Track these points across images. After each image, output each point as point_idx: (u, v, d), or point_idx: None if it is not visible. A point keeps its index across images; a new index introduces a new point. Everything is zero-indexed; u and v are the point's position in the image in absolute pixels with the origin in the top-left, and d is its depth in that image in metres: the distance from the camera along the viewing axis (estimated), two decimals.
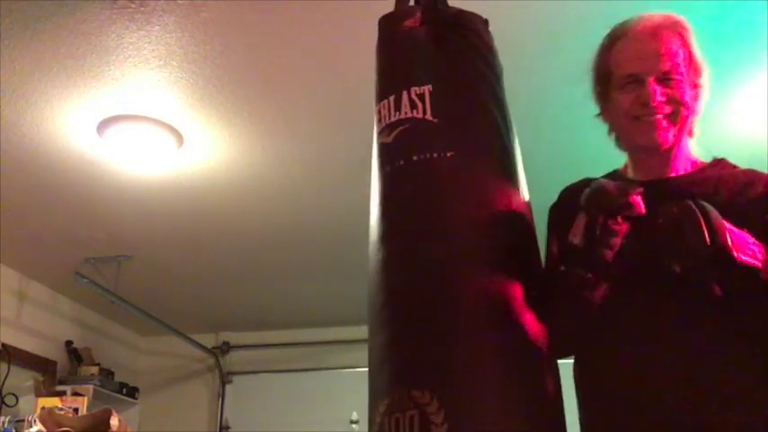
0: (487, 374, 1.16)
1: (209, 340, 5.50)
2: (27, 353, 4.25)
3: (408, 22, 1.47)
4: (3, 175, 3.19)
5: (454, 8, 1.53)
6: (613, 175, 1.45)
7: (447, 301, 1.21)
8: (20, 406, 4.01)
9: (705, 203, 1.09)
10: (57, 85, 2.64)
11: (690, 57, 1.33)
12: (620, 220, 1.14)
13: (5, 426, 3.54)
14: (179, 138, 2.99)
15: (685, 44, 1.33)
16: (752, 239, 1.13)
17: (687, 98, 1.30)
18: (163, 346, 5.48)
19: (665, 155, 1.33)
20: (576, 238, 1.16)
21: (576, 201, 1.21)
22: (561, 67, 2.61)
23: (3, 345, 3.99)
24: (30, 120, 2.84)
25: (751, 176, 1.38)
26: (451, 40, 1.44)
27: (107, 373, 4.73)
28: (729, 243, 1.06)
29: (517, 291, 1.23)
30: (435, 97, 1.35)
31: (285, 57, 2.55)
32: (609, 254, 1.14)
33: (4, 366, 3.99)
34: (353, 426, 4.12)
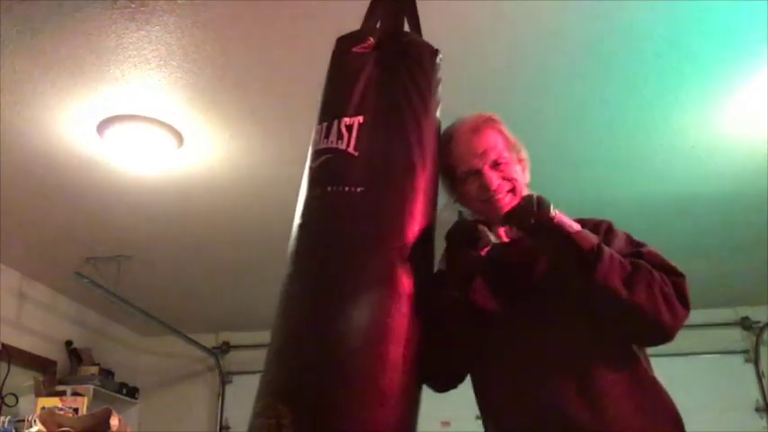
0: (348, 405, 1.24)
1: (209, 340, 5.51)
2: (27, 353, 4.25)
3: (359, 48, 1.52)
4: (3, 175, 3.19)
5: (410, 36, 1.58)
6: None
7: (328, 325, 1.28)
8: (20, 406, 4.02)
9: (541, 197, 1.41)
10: (57, 85, 2.64)
11: (507, 142, 1.61)
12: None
13: (5, 426, 3.54)
14: (179, 138, 3.00)
15: (501, 133, 1.61)
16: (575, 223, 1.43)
17: (517, 174, 1.59)
18: (163, 346, 5.49)
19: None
20: (441, 264, 1.49)
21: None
22: (561, 67, 2.62)
23: (3, 345, 3.99)
24: (30, 120, 2.84)
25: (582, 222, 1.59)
26: (395, 70, 1.49)
27: (107, 373, 4.74)
28: (552, 213, 1.38)
29: (397, 320, 1.30)
30: (363, 130, 1.42)
31: (285, 57, 2.55)
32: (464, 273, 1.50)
33: (4, 366, 4.00)
34: None
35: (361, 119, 1.42)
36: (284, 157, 3.19)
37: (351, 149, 1.40)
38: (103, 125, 2.88)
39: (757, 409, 4.81)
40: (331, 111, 1.48)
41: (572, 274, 1.40)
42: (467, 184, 1.59)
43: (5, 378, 3.97)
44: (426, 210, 1.43)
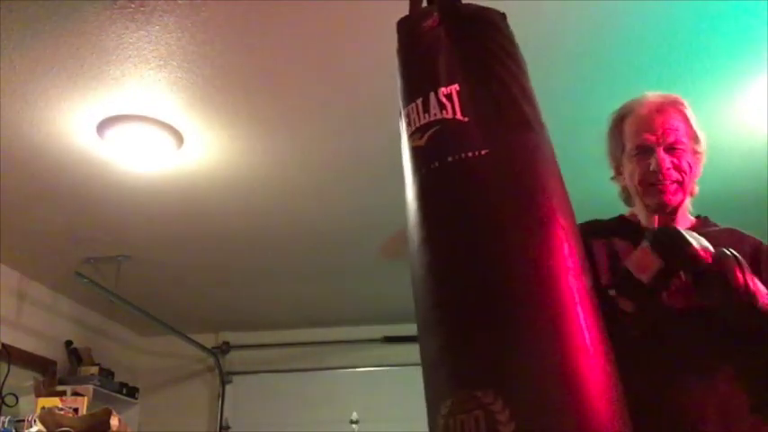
0: (551, 371, 1.12)
1: (209, 340, 5.50)
2: (27, 353, 4.25)
3: (427, 23, 1.45)
4: (3, 175, 3.19)
5: (471, 5, 1.52)
6: (624, 220, 1.66)
7: (501, 297, 1.18)
8: (20, 406, 4.01)
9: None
10: (57, 85, 2.64)
11: (689, 129, 1.54)
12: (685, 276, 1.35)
13: (5, 426, 3.54)
14: (179, 138, 2.99)
15: (685, 119, 1.55)
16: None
17: (690, 166, 1.52)
18: (163, 346, 5.48)
19: (671, 213, 1.55)
20: (644, 275, 1.34)
21: (612, 234, 1.52)
22: (563, 67, 2.62)
23: (3, 345, 3.99)
24: (30, 120, 2.84)
25: (737, 236, 1.59)
26: (473, 37, 1.41)
27: (107, 373, 4.73)
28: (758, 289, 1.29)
29: (572, 286, 1.19)
30: (464, 96, 1.33)
31: (285, 57, 2.55)
32: (672, 300, 1.37)
33: (4, 366, 3.99)
34: (353, 426, 4.12)
35: (456, 86, 1.33)
36: (284, 157, 3.19)
37: (459, 116, 1.31)
38: (103, 125, 2.88)
39: None
40: (421, 87, 1.37)
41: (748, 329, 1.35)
42: (635, 161, 1.53)
43: (5, 378, 3.96)
44: (554, 161, 1.37)
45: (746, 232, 1.56)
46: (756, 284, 1.30)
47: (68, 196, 3.44)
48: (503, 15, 1.50)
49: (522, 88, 1.40)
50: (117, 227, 3.80)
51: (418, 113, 1.35)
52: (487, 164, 1.27)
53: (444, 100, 1.33)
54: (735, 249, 1.38)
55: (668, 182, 1.50)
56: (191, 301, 4.90)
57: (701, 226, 1.59)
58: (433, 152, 1.32)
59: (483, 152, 1.28)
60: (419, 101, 1.36)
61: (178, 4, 2.28)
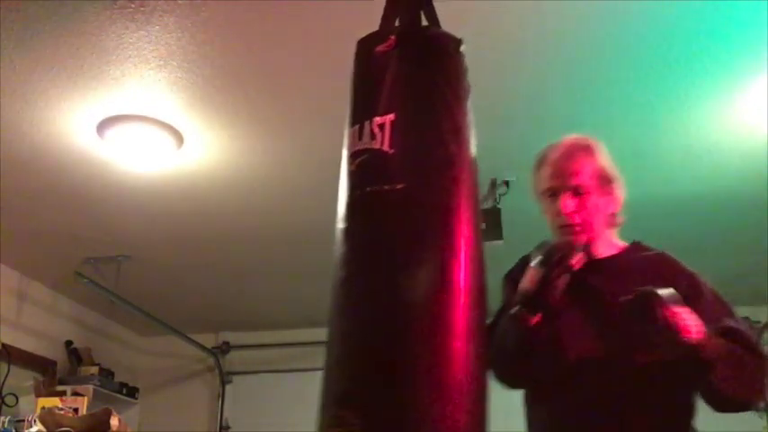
0: (420, 412, 1.21)
1: (209, 340, 5.50)
2: (27, 353, 4.25)
3: (381, 47, 1.50)
4: (3, 175, 3.19)
5: (430, 30, 1.56)
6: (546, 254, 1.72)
7: (387, 326, 1.26)
8: (20, 406, 4.01)
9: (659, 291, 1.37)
10: (57, 85, 2.64)
11: (598, 171, 1.60)
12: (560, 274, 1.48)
13: (5, 426, 3.54)
14: (179, 138, 2.99)
15: (595, 160, 1.61)
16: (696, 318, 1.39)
17: (597, 206, 1.59)
18: (163, 346, 5.48)
19: (586, 248, 1.60)
20: (528, 285, 1.49)
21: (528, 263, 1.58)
22: (563, 67, 2.62)
23: (3, 345, 3.99)
24: (30, 120, 2.84)
25: (670, 264, 1.65)
26: (422, 65, 1.46)
27: (107, 373, 4.74)
28: (691, 336, 1.35)
29: (463, 325, 1.27)
30: (396, 127, 1.38)
31: (285, 57, 2.55)
32: (554, 299, 1.48)
33: (4, 366, 4.00)
34: None
35: (392, 116, 1.39)
36: (284, 157, 3.19)
37: (385, 147, 1.37)
38: (103, 125, 2.88)
39: (757, 410, 4.81)
40: (361, 112, 1.45)
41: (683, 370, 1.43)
42: (546, 204, 1.62)
43: (5, 378, 3.97)
44: (470, 202, 1.40)
45: (679, 261, 1.64)
46: (683, 318, 1.35)
47: (68, 196, 3.44)
48: (458, 42, 1.53)
49: (454, 123, 1.43)
50: (117, 227, 3.80)
51: (354, 139, 1.43)
52: (399, 199, 1.33)
53: (377, 130, 1.39)
54: (667, 278, 1.48)
55: (573, 225, 1.57)
56: (191, 301, 4.90)
57: (631, 252, 1.67)
58: (358, 180, 1.39)
59: (398, 186, 1.33)
60: (357, 127, 1.43)
61: (178, 4, 2.28)
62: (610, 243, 1.66)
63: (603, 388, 1.48)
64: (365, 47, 1.55)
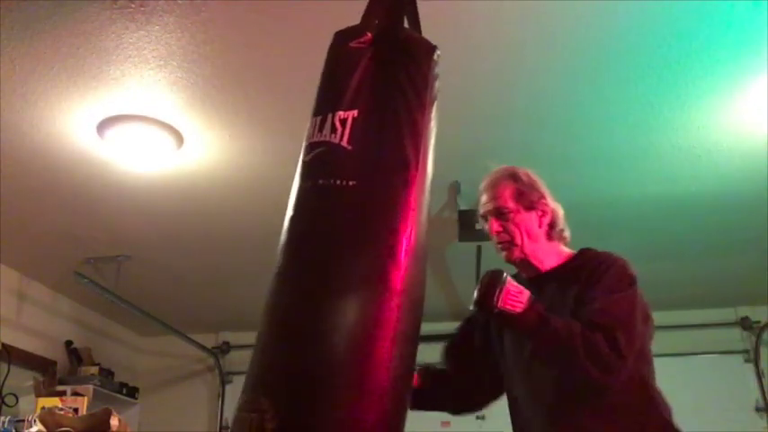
0: (329, 399, 1.23)
1: (209, 340, 5.50)
2: (27, 353, 4.25)
3: (355, 43, 1.51)
4: (3, 175, 3.19)
5: (406, 32, 1.58)
6: (516, 275, 1.86)
7: (313, 321, 1.27)
8: (20, 406, 4.02)
9: (494, 273, 1.60)
10: (57, 85, 2.64)
11: (517, 191, 1.80)
12: None
13: (5, 426, 3.54)
14: (179, 138, 2.99)
15: (513, 183, 1.81)
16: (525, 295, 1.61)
17: (523, 223, 1.78)
18: (163, 346, 5.49)
19: (525, 263, 1.82)
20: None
21: None
22: (563, 68, 2.62)
23: (3, 345, 3.99)
24: (30, 120, 2.84)
25: (595, 257, 1.80)
26: (393, 64, 1.47)
27: (107, 373, 4.73)
28: (493, 303, 1.57)
29: (393, 327, 1.28)
30: (357, 124, 1.39)
31: (285, 57, 2.55)
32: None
33: (4, 366, 4.00)
34: None
35: (355, 113, 1.40)
36: (284, 157, 3.19)
37: (344, 143, 1.38)
38: (103, 125, 2.88)
39: (757, 409, 4.80)
40: (325, 104, 1.47)
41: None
42: (485, 227, 1.85)
43: (5, 378, 3.97)
44: (418, 206, 1.41)
45: (608, 254, 1.77)
46: (509, 293, 1.58)
47: (68, 196, 3.44)
48: (432, 48, 1.55)
49: (415, 127, 1.44)
50: (117, 227, 3.80)
51: (314, 130, 1.44)
52: (349, 195, 1.35)
53: (338, 124, 1.40)
54: (599, 273, 1.68)
55: (502, 242, 1.79)
56: (191, 301, 4.90)
57: (575, 259, 1.82)
58: (311, 171, 1.40)
59: (350, 183, 1.35)
60: (319, 118, 1.45)
61: (178, 4, 2.28)
62: (555, 254, 1.83)
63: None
64: (341, 40, 1.56)
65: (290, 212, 1.43)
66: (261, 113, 2.88)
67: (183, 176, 3.32)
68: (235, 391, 5.39)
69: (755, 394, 4.84)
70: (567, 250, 1.86)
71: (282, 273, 1.37)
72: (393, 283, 1.30)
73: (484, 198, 1.84)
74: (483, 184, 1.87)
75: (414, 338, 1.34)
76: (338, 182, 1.36)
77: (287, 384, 1.24)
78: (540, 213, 1.81)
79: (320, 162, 1.40)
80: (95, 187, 3.37)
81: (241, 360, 5.45)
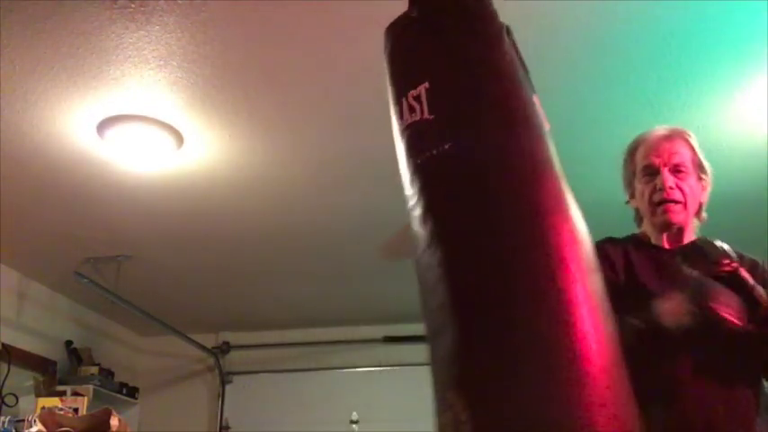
0: (530, 388, 1.07)
1: (209, 340, 5.50)
2: (27, 353, 4.25)
3: (404, 21, 1.47)
4: (3, 175, 3.19)
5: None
6: (637, 238, 1.78)
7: (498, 302, 1.15)
8: (20, 406, 4.01)
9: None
10: (57, 84, 2.64)
11: (694, 157, 1.70)
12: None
13: (5, 426, 3.54)
14: (179, 138, 2.99)
15: (691, 147, 1.71)
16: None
17: (693, 189, 1.67)
18: (163, 346, 5.48)
19: (678, 232, 1.70)
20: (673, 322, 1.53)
21: (626, 245, 1.72)
22: (563, 68, 2.62)
23: (3, 345, 3.99)
24: (30, 120, 2.84)
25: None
26: (447, 27, 1.40)
27: (107, 373, 4.73)
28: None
29: (579, 289, 1.13)
30: (432, 94, 1.32)
31: (285, 57, 2.55)
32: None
33: (4, 366, 3.99)
34: (353, 426, 4.12)
35: (426, 85, 1.34)
36: (284, 156, 3.19)
37: (426, 116, 1.32)
38: (103, 125, 2.88)
39: None
40: (397, 92, 1.40)
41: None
42: (643, 182, 1.68)
43: (5, 378, 3.96)
44: (551, 155, 1.34)
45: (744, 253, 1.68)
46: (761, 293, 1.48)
47: (68, 196, 3.44)
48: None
49: (495, 75, 1.38)
50: (117, 227, 3.80)
51: (398, 119, 1.39)
52: (451, 158, 1.27)
53: (414, 103, 1.35)
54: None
55: (672, 201, 1.64)
56: (191, 301, 4.90)
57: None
58: (409, 155, 1.34)
59: (446, 146, 1.27)
60: (397, 108, 1.39)
61: (178, 4, 2.28)
62: (691, 235, 1.74)
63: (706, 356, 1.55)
64: (389, 30, 1.51)
65: (409, 203, 1.32)
66: (261, 113, 2.88)
67: (183, 176, 3.32)
68: (235, 391, 5.40)
69: None
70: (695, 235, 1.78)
71: (446, 265, 1.21)
72: (563, 243, 1.17)
73: (653, 149, 1.69)
74: (652, 137, 1.73)
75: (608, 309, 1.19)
76: (434, 152, 1.28)
77: (474, 375, 1.10)
78: (703, 187, 1.74)
79: (412, 143, 1.34)
80: (95, 187, 3.37)
81: (241, 360, 5.46)
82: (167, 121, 2.89)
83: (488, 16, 1.44)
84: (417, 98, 1.34)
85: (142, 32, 2.39)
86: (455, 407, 1.07)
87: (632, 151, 1.75)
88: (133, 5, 2.27)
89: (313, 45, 2.50)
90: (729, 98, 2.78)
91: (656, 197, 1.65)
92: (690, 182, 1.67)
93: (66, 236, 3.85)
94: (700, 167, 1.71)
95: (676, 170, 1.66)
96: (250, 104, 2.81)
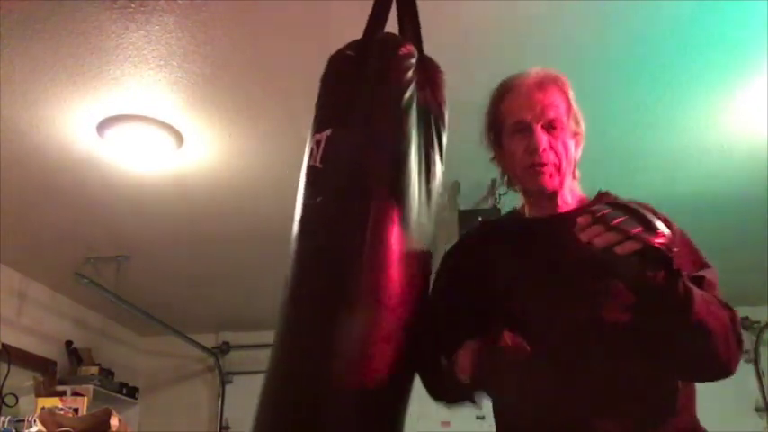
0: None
1: (209, 340, 5.50)
2: (27, 353, 4.25)
3: (338, 63, 1.53)
4: (3, 175, 3.19)
5: (384, 35, 1.52)
6: (513, 214, 1.57)
7: (303, 357, 1.31)
8: (20, 406, 4.01)
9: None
10: (57, 84, 2.64)
11: (569, 108, 1.43)
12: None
13: (5, 426, 3.54)
14: (179, 138, 3.00)
15: (566, 97, 1.43)
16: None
17: (568, 148, 1.42)
18: (163, 346, 5.48)
19: (552, 196, 1.44)
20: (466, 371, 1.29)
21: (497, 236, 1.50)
22: (563, 67, 2.61)
23: (3, 345, 3.99)
24: (30, 120, 2.84)
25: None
26: (366, 75, 1.46)
27: (107, 373, 4.74)
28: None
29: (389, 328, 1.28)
30: (329, 143, 1.41)
31: (285, 57, 2.55)
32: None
33: (4, 366, 4.00)
34: None
35: (328, 132, 1.43)
36: (284, 157, 3.19)
37: (317, 163, 1.41)
38: (103, 125, 2.88)
39: (757, 409, 4.81)
40: (312, 129, 1.51)
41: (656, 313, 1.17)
42: (513, 141, 1.42)
43: (5, 378, 3.97)
44: (389, 211, 1.37)
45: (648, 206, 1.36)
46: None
47: (69, 196, 3.44)
48: (401, 46, 1.48)
49: (382, 137, 1.42)
50: (117, 227, 3.80)
51: (308, 156, 1.47)
52: (320, 211, 1.38)
53: (314, 147, 1.44)
54: None
55: (546, 165, 1.38)
56: (191, 301, 4.90)
57: (592, 202, 1.46)
58: (302, 196, 1.44)
59: (318, 199, 1.38)
60: (307, 146, 1.48)
61: (178, 4, 2.28)
62: (573, 195, 1.48)
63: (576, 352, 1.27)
64: (331, 59, 1.57)
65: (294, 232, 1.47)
66: (261, 113, 2.88)
67: (183, 176, 3.32)
68: (235, 391, 5.40)
69: (755, 394, 4.84)
70: (580, 192, 1.52)
71: (283, 304, 1.47)
72: (389, 298, 1.30)
73: (524, 101, 1.41)
74: (522, 84, 1.44)
75: (410, 341, 1.32)
76: (311, 201, 1.40)
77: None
78: (578, 142, 1.46)
79: (305, 186, 1.44)
80: (95, 187, 3.37)
81: (241, 360, 5.45)
82: (167, 121, 2.89)
83: (406, 78, 1.45)
84: (318, 143, 1.43)
85: (142, 32, 2.39)
86: None
87: (497, 100, 1.47)
88: (133, 5, 2.27)
89: (313, 45, 2.49)
90: (729, 98, 2.78)
91: (527, 160, 1.39)
92: (565, 139, 1.40)
93: (67, 236, 3.85)
94: (575, 120, 1.43)
95: (550, 126, 1.39)
96: (250, 104, 2.82)
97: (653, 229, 1.08)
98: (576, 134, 1.44)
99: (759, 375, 4.88)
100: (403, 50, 1.46)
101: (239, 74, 2.64)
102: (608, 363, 1.24)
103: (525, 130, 1.40)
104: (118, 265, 4.14)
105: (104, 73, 2.58)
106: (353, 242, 1.31)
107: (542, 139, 1.38)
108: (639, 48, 2.51)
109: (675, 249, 1.12)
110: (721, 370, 1.25)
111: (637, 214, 1.11)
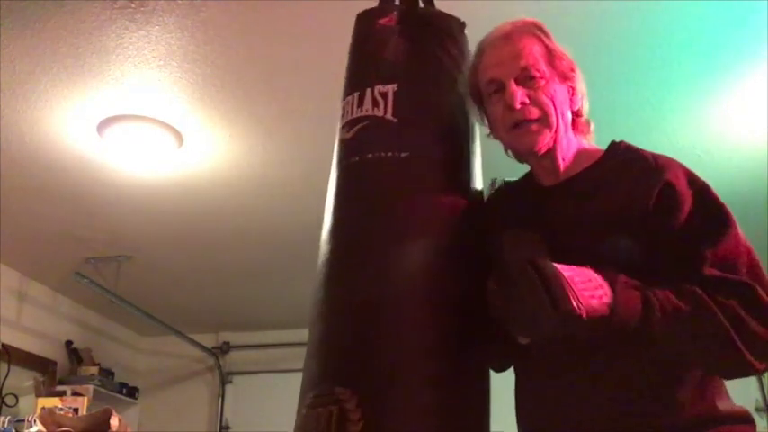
0: (411, 379, 1.16)
1: (209, 340, 5.50)
2: (27, 353, 4.25)
3: (383, 20, 1.49)
4: (2, 175, 3.19)
5: (433, 10, 1.53)
6: (526, 178, 1.41)
7: (382, 302, 1.21)
8: (20, 406, 4.02)
9: (543, 264, 1.03)
10: (57, 85, 2.64)
11: (549, 53, 1.27)
12: None
13: (5, 426, 3.54)
14: (179, 138, 3.00)
15: (541, 42, 1.27)
16: (597, 279, 1.06)
17: (555, 97, 1.24)
18: (163, 346, 5.48)
19: (549, 157, 1.28)
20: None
21: (512, 203, 1.35)
22: None
23: (3, 345, 3.99)
24: (30, 120, 2.84)
25: (645, 163, 1.27)
26: (424, 40, 1.44)
27: (107, 373, 4.74)
28: (574, 306, 1.00)
29: (455, 295, 1.22)
30: (399, 97, 1.36)
31: (285, 56, 2.55)
32: None
33: (4, 366, 4.00)
34: None
35: (395, 86, 1.36)
36: (285, 156, 3.19)
37: (389, 116, 1.33)
38: (103, 125, 2.88)
39: (757, 409, 4.80)
40: (361, 81, 1.41)
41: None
42: (491, 105, 1.28)
43: (5, 378, 3.97)
44: (475, 178, 1.39)
45: (680, 166, 1.24)
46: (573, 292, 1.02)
47: (68, 196, 3.44)
48: (461, 24, 1.51)
49: (458, 99, 1.41)
50: (117, 227, 3.80)
51: (352, 107, 1.39)
52: (403, 166, 1.31)
53: (379, 97, 1.36)
54: (650, 187, 1.17)
55: (529, 120, 1.22)
56: (191, 301, 4.90)
57: (608, 158, 1.33)
58: (356, 146, 1.36)
59: (403, 155, 1.31)
60: (356, 95, 1.39)
61: (178, 4, 2.28)
62: (581, 152, 1.32)
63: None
64: (366, 20, 1.53)
65: (333, 190, 1.37)
66: (261, 113, 2.88)
67: (183, 176, 3.32)
68: (235, 391, 5.40)
69: (755, 394, 4.84)
70: (592, 145, 1.37)
71: (335, 254, 1.29)
72: (456, 252, 1.26)
73: (494, 56, 1.27)
74: (489, 37, 1.31)
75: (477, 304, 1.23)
76: (389, 154, 1.31)
77: (363, 367, 1.17)
78: (572, 88, 1.29)
79: (365, 136, 1.35)
80: (95, 187, 3.37)
81: (241, 360, 5.46)
82: (167, 121, 2.89)
83: (464, 43, 1.48)
84: (384, 95, 1.36)
85: (142, 32, 2.39)
86: (344, 403, 1.12)
87: (473, 68, 1.33)
88: (133, 5, 2.27)
89: (314, 45, 2.50)
90: (730, 98, 2.78)
91: (508, 120, 1.23)
92: (549, 89, 1.23)
93: (67, 236, 3.85)
94: (560, 64, 1.26)
95: (527, 78, 1.22)
96: (250, 104, 2.82)
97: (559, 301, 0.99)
98: (566, 79, 1.28)
99: (759, 375, 4.88)
100: (465, 32, 1.49)
101: (239, 74, 2.64)
102: (601, 353, 1.17)
103: (500, 89, 1.25)
104: (118, 265, 4.14)
105: (104, 73, 2.58)
106: (447, 199, 1.30)
107: (517, 92, 1.21)
108: (639, 49, 2.51)
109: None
110: (741, 369, 1.13)
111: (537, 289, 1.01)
